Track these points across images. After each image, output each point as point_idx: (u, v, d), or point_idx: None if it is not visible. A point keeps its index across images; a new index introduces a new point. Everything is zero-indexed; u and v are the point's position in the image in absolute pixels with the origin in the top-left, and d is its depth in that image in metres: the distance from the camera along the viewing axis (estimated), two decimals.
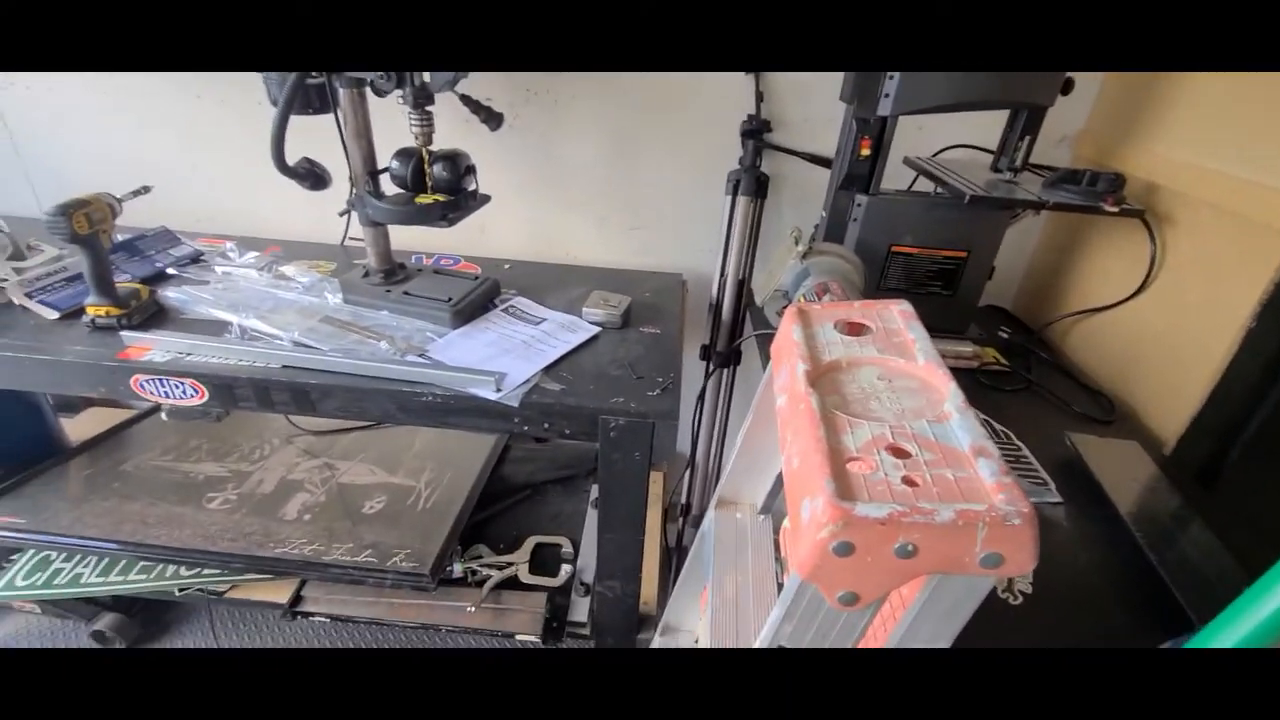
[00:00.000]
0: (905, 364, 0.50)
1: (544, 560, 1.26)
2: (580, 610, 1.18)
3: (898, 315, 0.56)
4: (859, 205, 1.05)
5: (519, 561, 1.23)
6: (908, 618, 0.39)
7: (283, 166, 0.90)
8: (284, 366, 0.92)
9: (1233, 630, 0.36)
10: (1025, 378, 1.06)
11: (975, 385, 1.04)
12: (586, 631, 1.16)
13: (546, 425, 0.91)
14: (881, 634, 0.40)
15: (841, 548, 0.35)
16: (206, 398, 0.95)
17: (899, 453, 0.40)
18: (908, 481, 0.38)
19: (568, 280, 1.24)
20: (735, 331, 1.29)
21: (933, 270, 1.09)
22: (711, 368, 1.31)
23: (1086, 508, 0.79)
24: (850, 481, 0.38)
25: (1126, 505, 0.77)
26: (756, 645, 0.42)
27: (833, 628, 0.39)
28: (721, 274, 1.26)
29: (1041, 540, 0.78)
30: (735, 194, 1.19)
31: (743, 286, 1.25)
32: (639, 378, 0.95)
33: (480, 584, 1.17)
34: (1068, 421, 0.96)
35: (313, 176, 0.96)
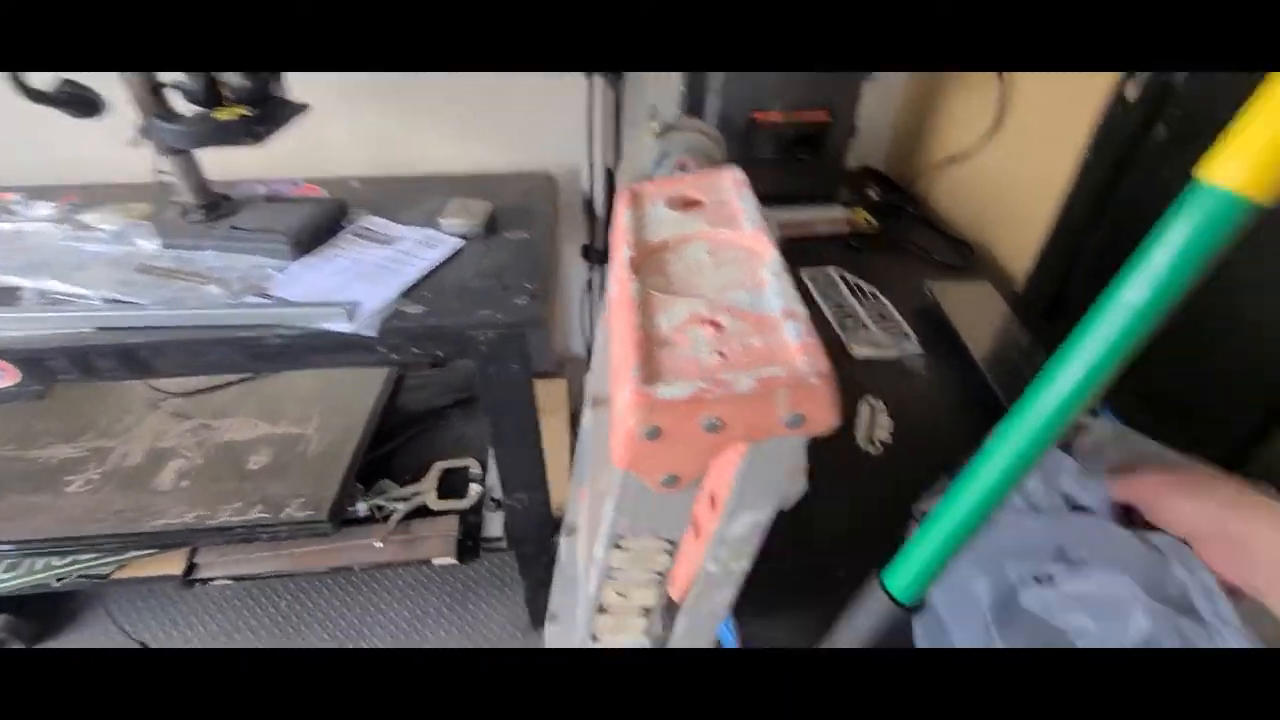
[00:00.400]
0: (731, 234, 0.48)
1: (453, 484, 1.24)
2: (495, 525, 1.19)
3: (730, 185, 0.53)
4: (714, 76, 1.00)
5: (426, 490, 1.21)
6: (736, 485, 0.39)
7: (32, 93, 0.75)
8: (99, 329, 0.81)
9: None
10: (892, 236, 1.08)
11: (845, 249, 1.05)
12: (504, 544, 1.17)
13: (415, 351, 0.86)
14: (718, 506, 0.41)
15: (650, 432, 0.34)
16: (20, 377, 0.84)
17: (714, 326, 0.39)
18: (718, 355, 0.36)
19: (426, 192, 1.14)
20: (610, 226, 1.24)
21: (797, 136, 1.07)
22: (592, 266, 1.27)
23: (944, 355, 0.82)
24: (659, 364, 0.36)
25: (979, 347, 0.82)
26: (598, 542, 0.42)
27: (662, 511, 0.39)
28: (590, 166, 1.19)
29: (901, 390, 0.83)
30: (590, 76, 1.11)
31: (611, 176, 1.19)
32: (506, 288, 0.90)
33: (388, 519, 1.15)
34: (930, 271, 0.99)
35: (78, 102, 0.81)
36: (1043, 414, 0.29)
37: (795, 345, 0.35)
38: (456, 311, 0.85)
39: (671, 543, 0.41)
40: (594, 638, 0.48)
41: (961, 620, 0.47)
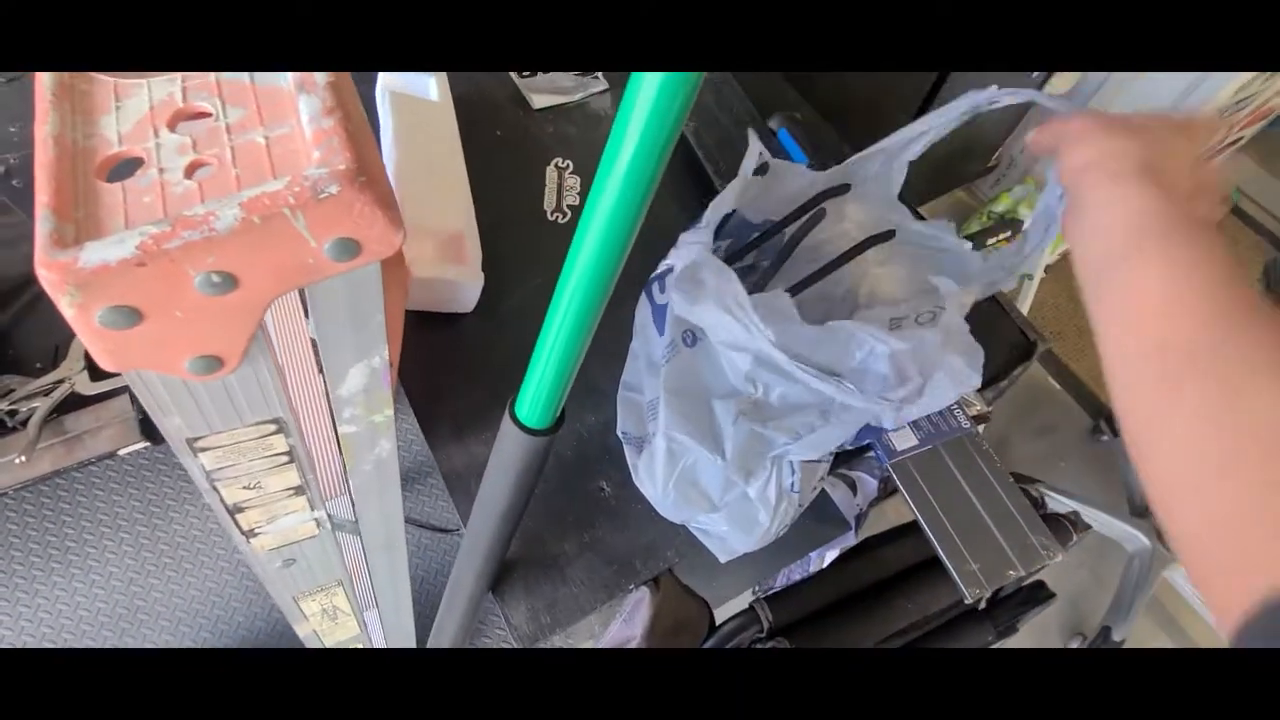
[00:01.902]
0: None
1: None
2: None
3: None
4: None
5: (72, 374, 0.95)
6: (320, 344, 0.29)
7: None
8: None
9: None
10: None
11: None
12: None
13: None
14: (307, 362, 0.31)
15: (117, 317, 0.22)
16: None
17: (198, 120, 0.25)
18: (198, 170, 0.23)
19: None
20: None
21: None
22: None
23: None
24: (101, 204, 0.23)
25: None
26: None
27: (228, 396, 0.28)
28: None
29: (590, 140, 0.74)
30: None
31: None
32: (13, 78, 0.60)
33: (26, 424, 0.89)
34: None
35: None
36: (597, 233, 0.22)
37: (310, 134, 0.23)
38: None
39: (274, 421, 0.32)
40: (249, 534, 0.40)
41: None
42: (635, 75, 0.20)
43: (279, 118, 0.25)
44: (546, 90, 0.71)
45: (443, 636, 0.50)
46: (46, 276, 0.21)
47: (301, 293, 0.27)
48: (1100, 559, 1.37)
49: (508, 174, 0.63)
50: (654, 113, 0.20)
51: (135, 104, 0.25)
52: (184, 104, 0.25)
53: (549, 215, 0.61)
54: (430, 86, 0.63)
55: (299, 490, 0.38)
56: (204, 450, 0.31)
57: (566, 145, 0.67)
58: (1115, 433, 1.44)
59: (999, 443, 1.57)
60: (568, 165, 0.65)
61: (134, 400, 0.95)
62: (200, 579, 1.15)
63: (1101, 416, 1.47)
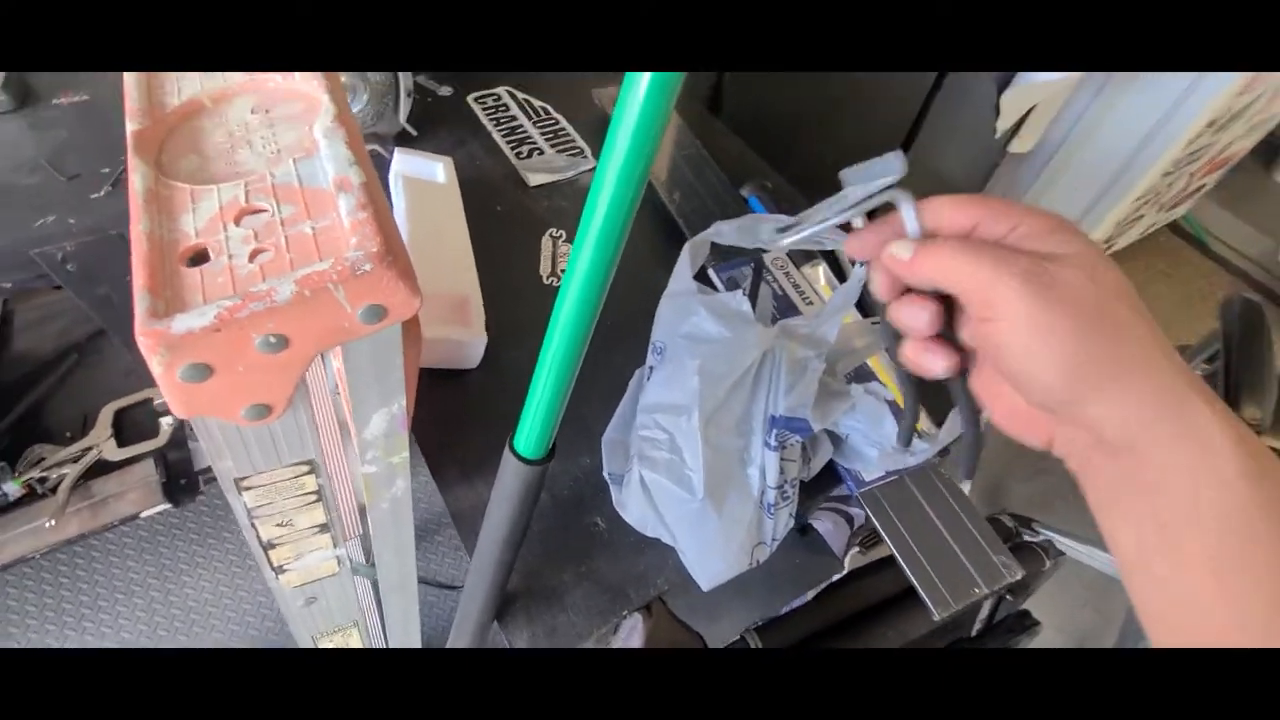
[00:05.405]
0: (283, 82, 0.38)
1: (136, 424, 1.04)
2: None
3: None
4: None
5: (99, 441, 1.00)
6: (350, 393, 0.35)
7: None
8: None
9: None
10: None
11: None
12: None
13: None
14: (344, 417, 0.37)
15: (194, 373, 0.28)
16: None
17: (257, 215, 0.31)
18: (259, 255, 0.30)
19: None
20: None
21: None
22: None
23: None
24: (184, 284, 0.29)
25: None
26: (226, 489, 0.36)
27: (272, 440, 0.34)
28: None
29: (576, 210, 0.82)
30: None
31: None
32: (74, 177, 0.68)
33: (55, 490, 0.94)
34: (601, 76, 0.95)
35: None
36: (582, 273, 0.29)
37: (348, 225, 0.30)
38: (4, 224, 0.63)
39: (307, 464, 0.37)
40: (278, 570, 0.44)
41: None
42: (630, 75, 0.23)
43: (322, 212, 0.31)
44: (541, 169, 0.79)
45: None
46: (144, 341, 0.26)
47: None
48: (1104, 598, 1.37)
49: (508, 244, 0.70)
50: (645, 107, 0.24)
51: (207, 205, 0.32)
52: (246, 204, 0.32)
53: (545, 280, 0.68)
54: (438, 170, 0.71)
55: (324, 528, 0.43)
56: (247, 489, 0.36)
57: (560, 217, 0.74)
58: None
59: (995, 485, 1.60)
60: (561, 234, 0.73)
61: (157, 464, 1.00)
62: (210, 641, 1.17)
63: None
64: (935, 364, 0.26)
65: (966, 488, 0.56)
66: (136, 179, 0.32)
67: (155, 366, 0.27)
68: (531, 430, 0.33)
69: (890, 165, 0.25)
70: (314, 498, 0.40)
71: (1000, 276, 0.22)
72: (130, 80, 0.37)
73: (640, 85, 0.23)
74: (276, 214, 0.31)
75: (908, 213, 0.25)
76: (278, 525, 0.41)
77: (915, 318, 0.26)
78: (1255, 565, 0.21)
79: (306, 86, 0.37)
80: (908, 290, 0.26)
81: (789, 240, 0.30)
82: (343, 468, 0.50)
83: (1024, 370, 0.23)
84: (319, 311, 0.29)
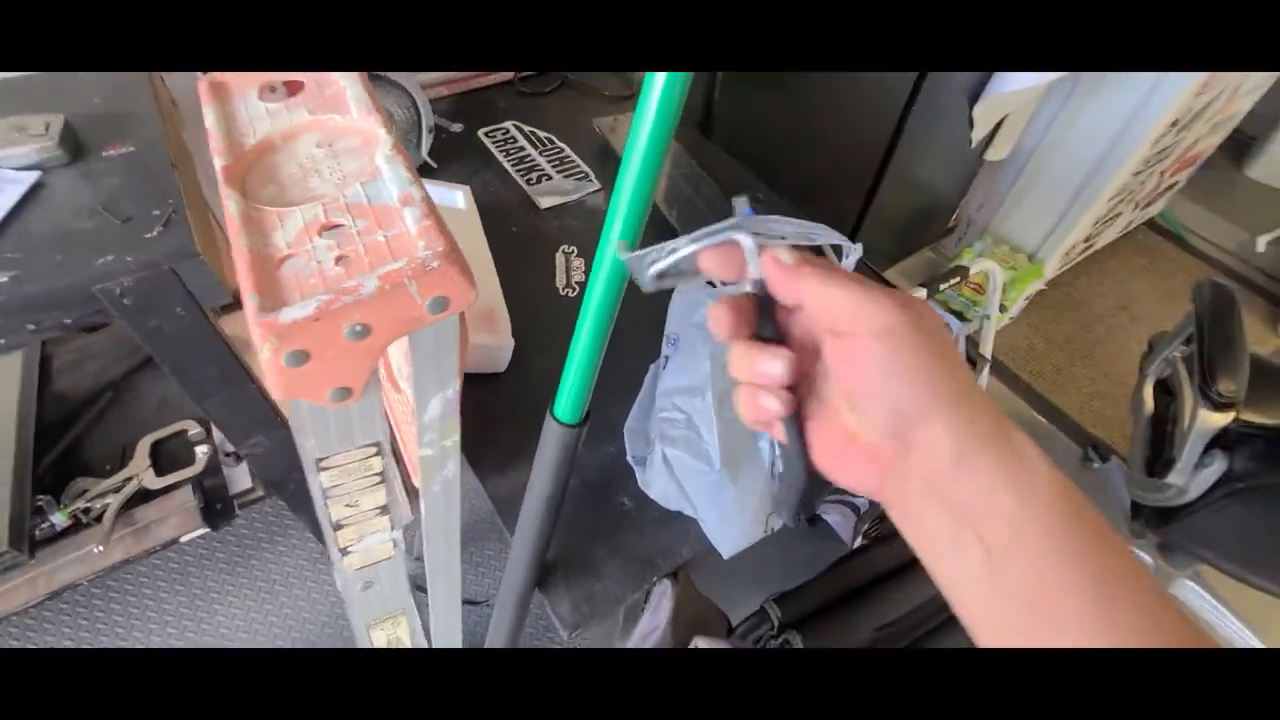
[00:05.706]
0: (343, 121, 0.45)
1: (173, 454, 1.09)
2: (243, 479, 1.09)
3: None
4: None
5: (139, 471, 1.05)
6: (414, 376, 0.40)
7: None
8: None
9: None
10: (561, 75, 1.08)
11: (517, 96, 1.03)
12: (260, 493, 1.09)
13: (30, 328, 0.70)
14: (407, 396, 0.42)
15: (295, 358, 0.33)
16: None
17: (335, 229, 0.37)
18: (342, 260, 0.35)
19: None
20: None
21: None
22: None
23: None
24: (282, 285, 0.35)
25: None
26: (306, 470, 0.42)
27: (349, 423, 0.39)
28: None
29: (589, 229, 0.89)
30: None
31: None
32: (127, 220, 0.74)
33: (100, 519, 0.99)
34: (599, 107, 1.02)
35: None
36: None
37: (415, 232, 0.36)
38: (65, 267, 0.69)
39: (375, 445, 0.42)
40: (344, 551, 0.49)
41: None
42: (649, 74, 0.27)
43: (390, 223, 0.37)
44: (550, 193, 0.85)
45: (497, 635, 0.57)
46: (258, 330, 0.32)
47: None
48: None
49: (524, 261, 0.76)
50: (663, 100, 0.28)
51: (292, 222, 0.38)
52: (325, 220, 0.38)
53: (561, 291, 0.74)
54: (458, 198, 0.77)
55: (384, 509, 0.48)
56: (325, 469, 0.42)
57: (570, 235, 0.81)
58: (1105, 459, 1.51)
59: None
60: (572, 250, 0.79)
61: (195, 490, 1.05)
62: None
63: (1090, 444, 1.54)
64: (773, 406, 0.26)
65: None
66: (231, 205, 0.38)
67: (264, 353, 0.33)
68: (569, 396, 0.39)
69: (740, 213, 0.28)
70: (378, 479, 0.45)
71: (871, 293, 0.24)
72: (211, 124, 0.43)
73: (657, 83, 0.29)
74: (353, 226, 0.37)
75: (750, 252, 0.27)
76: (346, 506, 0.46)
77: (769, 366, 0.26)
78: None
79: (364, 124, 0.44)
80: (755, 336, 0.27)
81: (658, 268, 0.30)
82: (405, 452, 0.55)
83: (875, 386, 0.24)
84: (396, 303, 0.34)
